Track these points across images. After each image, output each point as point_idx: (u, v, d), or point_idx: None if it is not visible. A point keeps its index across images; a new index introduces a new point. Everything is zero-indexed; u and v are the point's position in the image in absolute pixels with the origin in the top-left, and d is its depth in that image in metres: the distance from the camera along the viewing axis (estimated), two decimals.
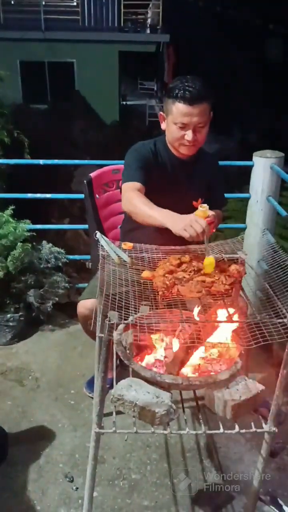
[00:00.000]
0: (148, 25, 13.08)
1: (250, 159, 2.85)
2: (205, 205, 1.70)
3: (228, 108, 13.05)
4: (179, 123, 1.86)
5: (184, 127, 1.87)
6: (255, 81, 14.38)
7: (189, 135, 1.87)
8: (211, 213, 1.70)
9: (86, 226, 2.56)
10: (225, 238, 1.91)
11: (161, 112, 1.95)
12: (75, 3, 12.12)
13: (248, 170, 2.89)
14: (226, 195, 2.25)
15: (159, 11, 12.77)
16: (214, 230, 1.78)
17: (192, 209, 1.72)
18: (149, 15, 13.32)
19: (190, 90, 1.81)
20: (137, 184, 1.86)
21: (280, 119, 12.61)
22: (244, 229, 2.98)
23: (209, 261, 1.58)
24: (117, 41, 11.98)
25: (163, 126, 1.97)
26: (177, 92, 1.82)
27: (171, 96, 1.85)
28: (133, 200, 1.79)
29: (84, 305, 2.10)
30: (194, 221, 1.59)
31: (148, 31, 12.84)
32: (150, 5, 13.14)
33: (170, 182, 2.00)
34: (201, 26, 14.58)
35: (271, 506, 1.88)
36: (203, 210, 1.69)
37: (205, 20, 14.71)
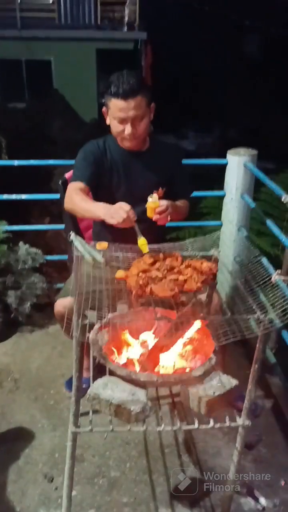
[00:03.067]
0: (125, 23, 13.02)
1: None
2: (155, 195, 1.79)
3: (208, 105, 13.11)
4: (117, 118, 1.93)
5: (122, 121, 1.93)
6: (235, 78, 14.43)
7: (127, 129, 1.93)
8: (162, 202, 1.79)
9: (63, 226, 2.56)
10: (204, 235, 1.94)
11: (104, 108, 1.99)
12: (51, 1, 11.98)
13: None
14: (204, 193, 2.25)
15: (135, 8, 12.72)
16: (169, 219, 1.83)
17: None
18: (126, 12, 13.24)
19: (123, 85, 1.87)
20: (80, 184, 1.97)
21: (260, 116, 12.70)
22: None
23: (142, 242, 1.73)
24: (95, 39, 11.93)
25: (107, 121, 2.01)
26: (111, 88, 1.89)
27: (107, 93, 1.92)
28: (72, 198, 1.93)
29: (62, 304, 2.11)
30: (118, 208, 1.73)
31: (125, 28, 12.79)
32: (127, 2, 13.07)
33: (122, 175, 2.06)
34: (180, 22, 14.57)
35: (248, 498, 1.92)
36: (152, 200, 1.79)
37: (183, 17, 14.70)
